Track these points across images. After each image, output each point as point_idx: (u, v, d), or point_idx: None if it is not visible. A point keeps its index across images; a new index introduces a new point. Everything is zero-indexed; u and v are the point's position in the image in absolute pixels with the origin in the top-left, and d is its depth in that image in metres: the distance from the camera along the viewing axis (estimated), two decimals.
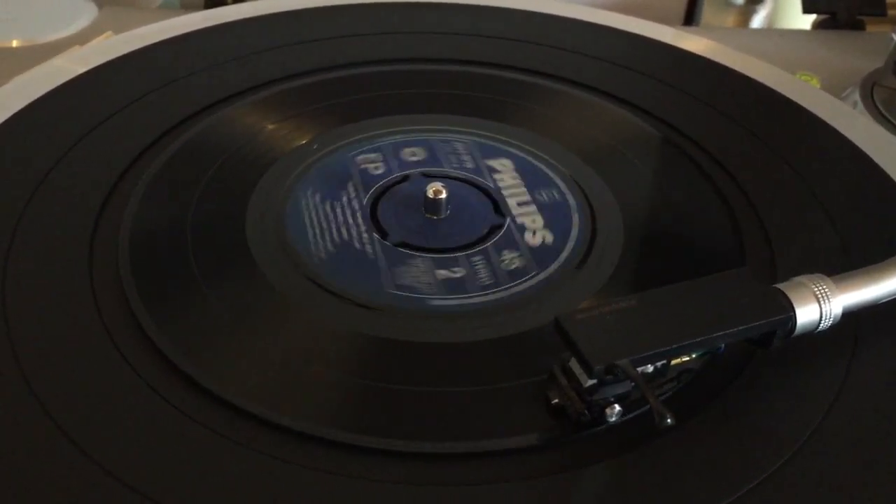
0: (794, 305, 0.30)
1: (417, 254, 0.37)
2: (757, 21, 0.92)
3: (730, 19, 0.93)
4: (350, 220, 0.39)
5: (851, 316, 0.32)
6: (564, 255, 0.38)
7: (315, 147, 0.43)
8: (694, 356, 0.30)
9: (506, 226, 0.39)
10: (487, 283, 0.36)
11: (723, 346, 0.30)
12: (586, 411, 0.29)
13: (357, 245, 0.38)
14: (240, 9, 0.56)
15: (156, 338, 0.32)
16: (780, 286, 0.31)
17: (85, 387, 0.30)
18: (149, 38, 0.51)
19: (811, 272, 0.32)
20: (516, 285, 0.36)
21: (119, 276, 0.35)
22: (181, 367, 0.31)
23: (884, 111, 0.52)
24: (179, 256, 0.36)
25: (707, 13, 0.91)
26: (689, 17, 0.87)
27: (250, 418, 0.29)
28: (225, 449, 0.28)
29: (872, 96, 0.53)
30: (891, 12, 0.67)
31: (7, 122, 0.43)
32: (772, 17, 0.92)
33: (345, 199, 0.40)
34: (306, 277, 0.36)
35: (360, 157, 0.43)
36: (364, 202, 0.40)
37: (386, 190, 0.41)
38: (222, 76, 0.48)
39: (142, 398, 0.30)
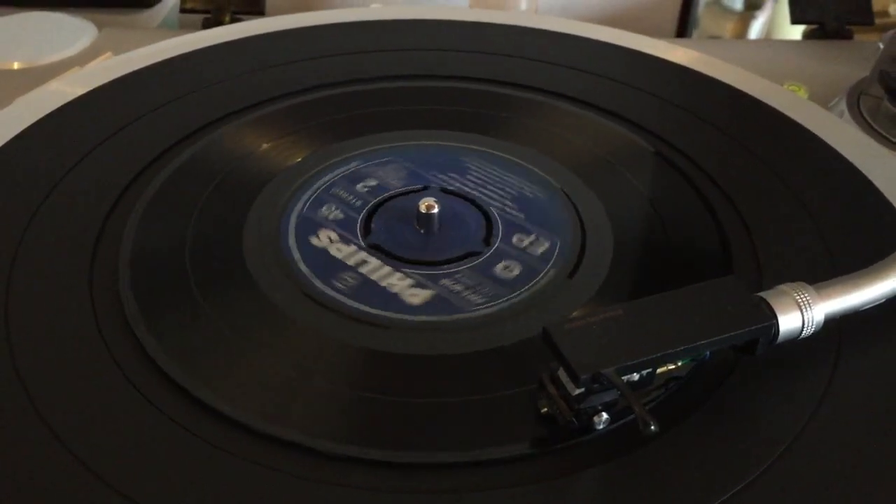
0: (777, 313, 0.31)
1: (410, 267, 0.38)
2: (756, 28, 0.93)
3: (728, 26, 0.94)
4: (344, 236, 0.40)
5: (835, 322, 0.33)
6: (554, 266, 0.38)
7: (309, 165, 0.44)
8: (679, 364, 0.30)
9: (496, 238, 0.40)
10: (479, 294, 0.37)
11: (708, 353, 0.31)
12: (574, 419, 0.29)
13: (351, 260, 0.38)
14: (237, 28, 0.57)
15: (154, 354, 0.33)
16: (763, 294, 0.32)
17: (85, 401, 0.31)
18: (146, 60, 0.52)
19: (796, 281, 0.32)
20: (507, 297, 0.37)
21: (119, 293, 0.36)
22: (180, 382, 0.32)
23: (870, 120, 0.52)
24: (178, 273, 0.37)
25: (706, 21, 0.92)
26: (682, 29, 0.88)
27: (247, 431, 0.30)
28: (223, 461, 0.29)
29: (859, 105, 0.54)
30: (878, 21, 0.68)
31: (7, 144, 0.44)
32: (771, 23, 0.93)
33: (339, 214, 0.41)
34: (302, 293, 0.36)
35: (353, 173, 0.44)
36: (358, 217, 0.41)
37: (379, 205, 0.42)
38: (219, 95, 0.49)
39: (140, 413, 0.31)
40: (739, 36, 0.93)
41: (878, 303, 0.33)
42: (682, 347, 0.29)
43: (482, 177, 0.44)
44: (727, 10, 0.94)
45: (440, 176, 0.44)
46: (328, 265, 0.38)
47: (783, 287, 0.32)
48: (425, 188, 0.43)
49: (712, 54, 0.55)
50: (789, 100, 0.50)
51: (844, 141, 0.45)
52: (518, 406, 0.31)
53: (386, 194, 0.43)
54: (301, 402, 0.32)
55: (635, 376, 0.29)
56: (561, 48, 0.55)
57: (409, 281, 0.37)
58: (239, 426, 0.30)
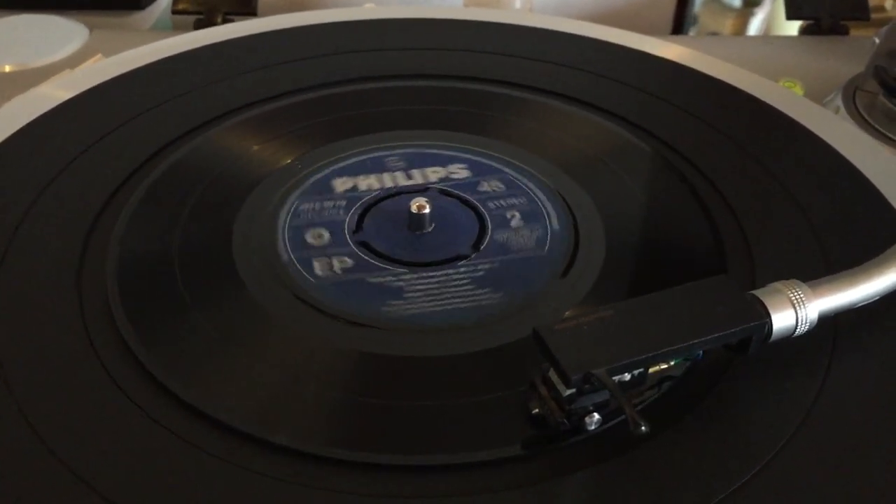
0: (770, 311, 0.30)
1: (402, 268, 0.38)
2: (755, 24, 0.92)
3: (728, 23, 0.93)
4: (335, 238, 0.39)
5: (829, 319, 0.32)
6: (547, 266, 0.38)
7: (298, 166, 0.44)
8: (672, 364, 0.30)
9: (489, 238, 0.40)
10: (471, 295, 0.36)
11: (701, 353, 0.31)
12: (566, 420, 0.29)
13: (343, 262, 0.38)
14: (228, 29, 0.56)
15: (144, 359, 0.32)
16: (757, 292, 0.31)
17: (73, 407, 0.31)
18: (137, 62, 0.51)
19: (790, 278, 0.32)
20: (499, 297, 0.36)
21: (107, 298, 0.35)
22: (170, 387, 0.31)
23: (866, 116, 0.52)
24: (167, 277, 0.37)
25: (705, 17, 0.92)
26: (678, 26, 0.88)
27: (239, 436, 0.30)
28: (213, 466, 0.29)
29: (854, 101, 0.53)
30: (874, 16, 0.67)
31: None
32: (770, 20, 0.93)
33: (329, 216, 0.41)
34: (293, 295, 0.36)
35: (343, 175, 0.44)
36: (348, 219, 0.41)
37: (370, 206, 0.41)
38: (211, 97, 0.49)
39: (130, 418, 0.30)
40: (739, 33, 0.93)
41: (872, 300, 0.33)
42: (673, 347, 0.29)
43: (473, 177, 0.44)
44: (726, 7, 0.93)
45: (431, 175, 0.44)
46: (319, 267, 0.38)
47: (776, 285, 0.32)
48: (417, 188, 0.43)
49: (708, 51, 0.54)
50: (784, 96, 0.49)
51: (840, 137, 0.45)
52: (509, 407, 0.31)
53: (378, 195, 0.42)
54: (291, 406, 0.32)
55: (627, 376, 0.29)
56: (555, 46, 0.55)
57: (400, 282, 0.37)
58: (230, 430, 0.30)
